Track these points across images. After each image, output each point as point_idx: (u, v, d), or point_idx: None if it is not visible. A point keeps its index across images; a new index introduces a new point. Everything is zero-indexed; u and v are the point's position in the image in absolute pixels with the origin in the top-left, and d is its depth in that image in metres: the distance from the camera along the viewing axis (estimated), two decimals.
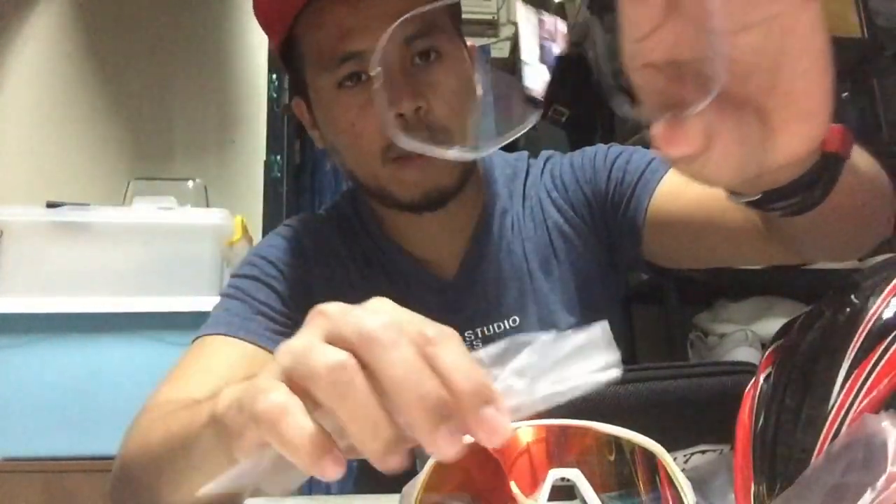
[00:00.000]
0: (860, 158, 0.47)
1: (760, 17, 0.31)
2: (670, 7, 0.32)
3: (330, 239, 0.80)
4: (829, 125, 0.35)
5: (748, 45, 0.32)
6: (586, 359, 0.28)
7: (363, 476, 0.87)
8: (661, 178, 0.73)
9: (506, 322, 0.78)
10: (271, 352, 0.68)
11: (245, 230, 1.70)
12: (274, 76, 1.94)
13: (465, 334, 0.77)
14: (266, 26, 0.74)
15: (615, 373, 0.28)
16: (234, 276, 0.76)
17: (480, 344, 0.77)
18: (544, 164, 0.85)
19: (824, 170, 0.38)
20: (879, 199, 0.54)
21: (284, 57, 0.76)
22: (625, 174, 0.76)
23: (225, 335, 0.68)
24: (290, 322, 0.72)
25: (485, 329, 0.77)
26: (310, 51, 0.71)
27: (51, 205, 1.55)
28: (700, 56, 0.33)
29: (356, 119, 0.68)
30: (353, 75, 0.68)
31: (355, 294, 0.79)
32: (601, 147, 0.82)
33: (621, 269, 0.82)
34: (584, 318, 0.78)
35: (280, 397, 0.28)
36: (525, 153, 0.88)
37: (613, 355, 0.28)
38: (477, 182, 0.79)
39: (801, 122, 0.33)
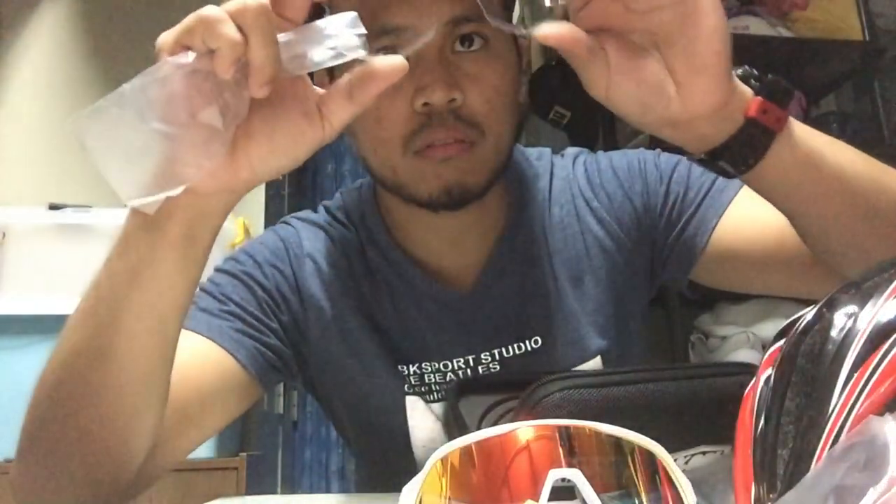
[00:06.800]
0: (841, 153, 0.51)
1: (669, 2, 0.43)
2: None
3: (329, 248, 0.74)
4: (729, 87, 0.46)
5: (660, 19, 0.44)
6: (337, 38, 0.41)
7: (363, 477, 0.87)
8: (728, 202, 0.68)
9: (527, 343, 0.71)
10: (230, 352, 0.64)
11: (247, 232, 1.70)
12: None
13: (482, 355, 0.71)
14: None
15: (363, 52, 0.42)
16: (217, 269, 0.71)
17: (498, 367, 0.71)
18: (573, 166, 0.77)
19: (749, 134, 0.47)
20: (889, 199, 0.52)
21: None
22: (686, 190, 0.71)
23: (184, 329, 0.59)
24: (262, 327, 0.68)
25: (503, 350, 0.71)
26: None
27: (53, 207, 1.56)
28: (626, 28, 0.45)
29: (380, 101, 0.55)
30: (386, 50, 0.58)
31: (353, 311, 0.73)
32: (647, 154, 0.75)
33: (657, 284, 0.77)
34: (617, 341, 0.73)
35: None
36: (548, 150, 0.80)
37: (362, 37, 0.41)
38: (502, 183, 0.70)
39: (698, 76, 0.44)
